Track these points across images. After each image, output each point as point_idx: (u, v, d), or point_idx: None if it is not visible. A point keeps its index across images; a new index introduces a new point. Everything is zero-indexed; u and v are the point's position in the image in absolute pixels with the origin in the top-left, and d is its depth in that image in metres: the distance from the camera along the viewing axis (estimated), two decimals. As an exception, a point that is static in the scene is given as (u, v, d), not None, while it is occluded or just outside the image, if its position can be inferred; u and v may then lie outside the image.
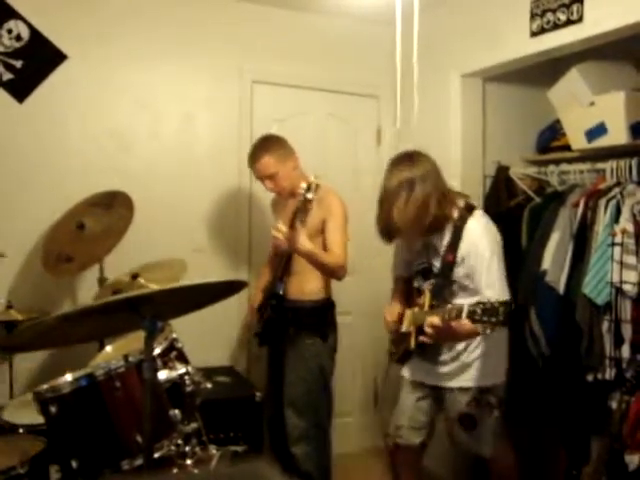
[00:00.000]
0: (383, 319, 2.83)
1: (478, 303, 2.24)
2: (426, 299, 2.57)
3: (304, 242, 2.82)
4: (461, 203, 2.59)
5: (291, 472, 3.03)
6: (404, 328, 2.68)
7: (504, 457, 2.78)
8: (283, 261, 3.02)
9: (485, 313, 2.22)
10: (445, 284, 2.57)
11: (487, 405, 2.68)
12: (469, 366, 2.65)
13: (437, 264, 2.61)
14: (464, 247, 2.52)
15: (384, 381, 3.04)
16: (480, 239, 2.51)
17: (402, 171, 2.48)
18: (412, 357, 2.73)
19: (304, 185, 2.71)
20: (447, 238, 2.56)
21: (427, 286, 2.62)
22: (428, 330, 2.42)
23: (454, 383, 2.67)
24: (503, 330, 2.59)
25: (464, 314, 2.28)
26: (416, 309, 2.63)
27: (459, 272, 2.55)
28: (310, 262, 2.93)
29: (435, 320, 2.40)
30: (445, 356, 2.67)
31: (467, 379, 2.66)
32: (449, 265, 2.55)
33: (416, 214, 2.45)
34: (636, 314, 2.74)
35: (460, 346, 2.64)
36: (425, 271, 2.66)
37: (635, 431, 2.60)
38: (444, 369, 2.68)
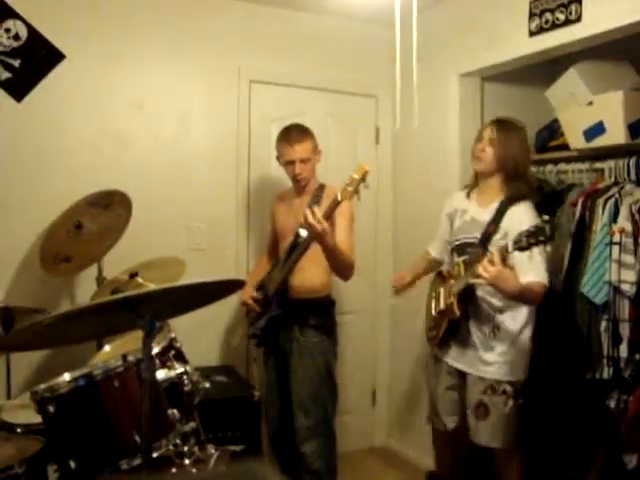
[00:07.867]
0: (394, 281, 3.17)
1: (520, 233, 2.36)
2: (460, 268, 2.73)
3: (332, 234, 2.76)
4: (521, 188, 2.77)
5: (298, 472, 3.02)
6: (442, 306, 2.81)
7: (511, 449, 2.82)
8: (301, 252, 2.91)
9: (531, 236, 2.33)
10: (480, 253, 2.68)
11: (503, 393, 2.75)
12: (492, 356, 2.74)
13: (478, 235, 2.77)
14: (506, 223, 2.69)
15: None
16: (523, 219, 2.63)
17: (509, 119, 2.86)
18: (450, 341, 2.84)
19: (365, 168, 2.69)
20: (491, 214, 2.77)
21: (460, 259, 2.78)
22: (483, 273, 2.44)
23: (474, 371, 2.78)
24: (528, 331, 2.76)
25: (510, 247, 2.39)
26: (452, 281, 2.77)
27: (497, 242, 2.66)
28: (331, 257, 2.83)
29: (493, 258, 2.43)
30: (475, 337, 2.77)
31: (487, 370, 2.75)
32: (489, 235, 2.72)
33: (524, 147, 2.81)
34: (634, 313, 2.74)
35: (487, 330, 2.75)
36: (462, 247, 2.83)
37: (633, 430, 2.60)
38: (471, 353, 2.78)
